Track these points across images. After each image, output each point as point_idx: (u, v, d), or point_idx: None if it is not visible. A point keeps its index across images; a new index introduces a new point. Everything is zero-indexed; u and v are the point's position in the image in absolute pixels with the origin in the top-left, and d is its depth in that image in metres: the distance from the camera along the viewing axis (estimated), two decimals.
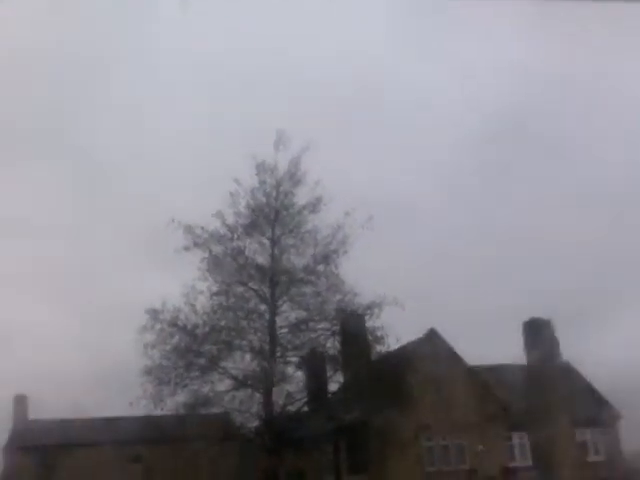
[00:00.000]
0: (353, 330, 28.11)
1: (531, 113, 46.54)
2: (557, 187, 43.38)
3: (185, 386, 25.96)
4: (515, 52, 48.38)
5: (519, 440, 33.12)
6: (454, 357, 31.52)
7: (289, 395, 27.32)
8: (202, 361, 26.39)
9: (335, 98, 40.88)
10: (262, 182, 27.86)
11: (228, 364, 26.70)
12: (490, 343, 36.53)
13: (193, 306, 26.26)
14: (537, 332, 34.30)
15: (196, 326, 26.24)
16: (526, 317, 34.31)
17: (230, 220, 27.47)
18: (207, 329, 26.25)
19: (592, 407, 34.51)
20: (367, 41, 48.40)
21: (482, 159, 44.86)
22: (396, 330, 27.04)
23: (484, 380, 32.17)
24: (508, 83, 46.63)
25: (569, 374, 35.36)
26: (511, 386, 32.95)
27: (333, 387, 29.55)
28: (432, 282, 35.67)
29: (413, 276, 34.32)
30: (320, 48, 46.89)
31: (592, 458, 34.00)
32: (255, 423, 27.63)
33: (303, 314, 28.17)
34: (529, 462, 32.87)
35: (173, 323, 26.05)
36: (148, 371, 25.51)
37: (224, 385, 26.63)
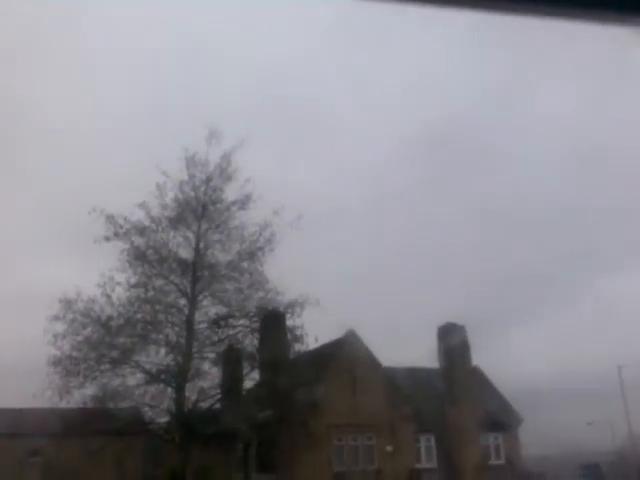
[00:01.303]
0: (273, 328, 28.07)
1: (458, 127, 47.52)
2: (479, 203, 44.62)
3: (94, 379, 25.24)
4: (445, 66, 49.08)
5: (426, 442, 34.15)
6: (370, 359, 32.04)
7: (202, 391, 27.06)
8: (114, 354, 25.69)
9: (272, 98, 40.37)
10: (192, 176, 27.47)
11: (142, 358, 26.15)
12: (406, 346, 37.53)
13: (109, 297, 25.55)
14: (450, 337, 35.35)
15: (111, 318, 25.48)
16: (441, 322, 35.37)
17: (155, 212, 26.89)
18: (122, 321, 25.55)
19: (496, 412, 35.90)
20: (306, 44, 47.99)
21: (412, 170, 45.49)
22: (316, 330, 27.29)
23: (397, 382, 32.87)
24: (436, 96, 47.29)
25: (477, 379, 36.63)
26: (423, 389, 33.88)
27: (249, 385, 29.49)
28: (354, 285, 36.04)
29: (336, 278, 34.53)
30: (258, 48, 46.13)
31: (493, 461, 35.49)
32: (165, 418, 27.22)
33: (223, 310, 27.92)
34: (434, 464, 33.96)
35: (86, 314, 25.22)
36: (56, 362, 24.64)
37: (136, 379, 26.08)
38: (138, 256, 26.33)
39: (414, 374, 34.21)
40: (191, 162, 27.06)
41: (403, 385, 33.15)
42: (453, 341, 35.36)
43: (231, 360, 28.20)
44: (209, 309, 27.63)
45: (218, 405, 28.10)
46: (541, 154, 45.17)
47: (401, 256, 39.50)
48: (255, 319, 28.35)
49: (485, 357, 36.26)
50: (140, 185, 25.94)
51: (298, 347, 28.63)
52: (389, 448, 31.71)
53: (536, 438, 37.05)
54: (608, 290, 44.73)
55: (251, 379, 29.31)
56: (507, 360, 39.53)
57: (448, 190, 43.16)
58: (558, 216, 44.33)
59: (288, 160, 35.99)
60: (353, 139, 43.84)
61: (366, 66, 48.31)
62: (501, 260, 43.20)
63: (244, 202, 27.43)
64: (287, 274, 27.28)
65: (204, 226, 27.47)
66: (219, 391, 27.95)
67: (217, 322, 27.70)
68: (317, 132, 43.04)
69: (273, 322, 28.26)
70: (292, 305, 27.83)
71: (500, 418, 36.04)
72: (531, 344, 44.46)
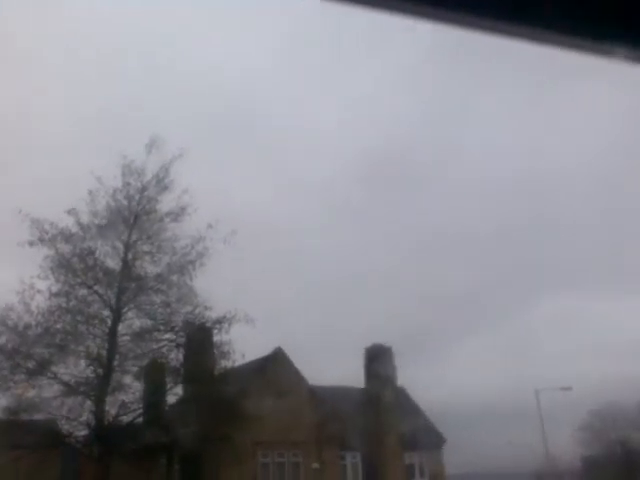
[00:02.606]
0: (199, 343, 27.81)
1: (403, 148, 49.08)
2: (416, 224, 46.00)
3: (8, 389, 24.25)
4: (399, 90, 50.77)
5: (352, 460, 34.33)
6: (297, 376, 32.20)
7: (124, 405, 26.42)
8: (30, 364, 24.82)
9: (217, 114, 40.60)
10: (126, 184, 27.11)
11: (60, 369, 25.34)
12: (334, 365, 37.89)
13: (27, 305, 24.75)
14: (377, 358, 35.96)
15: (28, 326, 24.69)
16: (369, 343, 35.98)
17: (85, 219, 26.41)
18: (40, 330, 24.78)
19: (420, 431, 36.51)
20: (254, 63, 48.79)
21: (352, 190, 46.56)
22: (244, 347, 27.25)
23: (323, 400, 33.06)
24: (386, 121, 48.83)
25: (402, 399, 37.28)
26: (349, 407, 34.16)
27: (172, 400, 29.01)
28: (286, 303, 36.28)
29: (267, 296, 34.71)
30: (207, 63, 46.53)
31: None
32: (84, 432, 26.36)
33: (149, 323, 27.51)
34: None
35: (2, 321, 24.36)
36: None
37: (53, 391, 25.21)
38: (62, 263, 25.73)
39: (341, 393, 34.52)
40: (127, 170, 26.81)
41: (330, 403, 33.35)
42: (379, 362, 35.99)
43: (154, 374, 27.72)
44: (134, 322, 27.18)
45: (140, 420, 27.46)
46: (482, 177, 47.01)
47: (334, 276, 40.10)
48: (181, 334, 28.06)
49: (411, 377, 37.01)
50: (72, 191, 25.50)
51: (224, 363, 28.46)
52: (315, 465, 31.74)
53: (458, 457, 37.93)
54: (531, 314, 46.70)
55: (175, 394, 28.89)
56: (433, 380, 40.54)
57: (386, 211, 44.31)
58: (492, 239, 46.12)
59: (227, 174, 36.16)
60: (297, 156, 44.53)
61: (317, 80, 49.45)
62: (434, 281, 44.44)
63: (178, 214, 27.26)
64: (217, 289, 27.28)
65: (134, 236, 27.14)
66: (141, 405, 27.36)
67: (141, 335, 27.25)
68: (261, 148, 43.46)
69: (199, 337, 28.02)
70: (220, 321, 27.73)
71: (423, 437, 36.66)
72: (457, 365, 45.71)
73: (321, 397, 33.15)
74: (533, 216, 46.63)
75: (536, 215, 46.90)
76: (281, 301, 36.16)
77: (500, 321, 47.20)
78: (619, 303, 44.59)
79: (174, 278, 27.71)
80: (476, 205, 47.53)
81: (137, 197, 27.28)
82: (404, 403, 37.27)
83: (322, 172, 45.20)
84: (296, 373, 32.25)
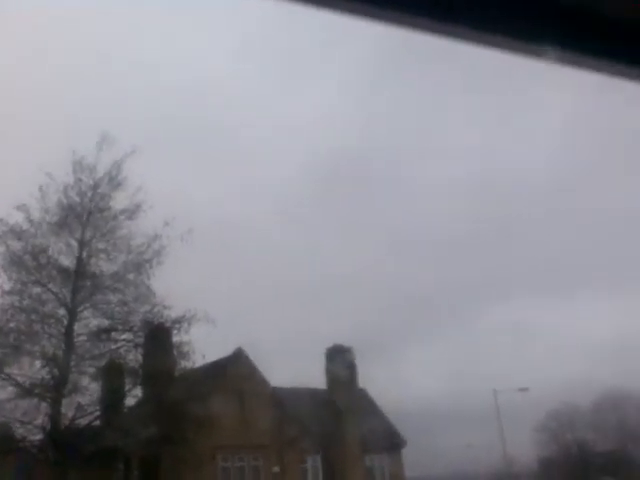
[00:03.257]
0: (158, 344, 27.27)
1: (362, 157, 49.43)
2: (380, 227, 46.26)
3: None
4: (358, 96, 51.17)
5: (312, 463, 34.08)
6: (259, 378, 31.86)
7: (80, 407, 25.62)
8: None
9: (175, 110, 40.17)
10: (78, 180, 26.58)
11: (14, 370, 24.46)
12: (296, 366, 37.70)
13: None
14: (337, 359, 35.92)
15: None
16: (330, 344, 35.93)
17: (36, 215, 25.71)
18: None
19: (381, 434, 36.52)
20: (214, 62, 48.58)
21: (313, 191, 46.60)
22: (204, 347, 26.82)
23: (284, 403, 32.77)
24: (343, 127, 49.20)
25: (363, 401, 37.26)
26: (311, 410, 33.94)
27: (131, 401, 28.33)
28: (246, 303, 35.96)
29: (227, 295, 34.34)
30: (164, 55, 46.08)
31: None
32: (39, 436, 25.42)
33: (106, 323, 26.87)
34: None
35: None
36: None
37: (6, 393, 24.30)
38: (14, 261, 24.97)
39: (303, 395, 34.29)
40: (78, 166, 26.28)
41: (291, 406, 33.07)
42: (340, 363, 35.94)
43: (112, 375, 27.04)
44: (90, 321, 26.50)
45: (97, 422, 26.67)
46: (436, 180, 47.64)
47: (296, 277, 39.98)
48: (139, 333, 27.49)
49: (373, 380, 37.11)
50: (22, 187, 24.77)
51: (184, 364, 27.97)
52: (276, 469, 31.35)
53: (418, 459, 38.09)
54: (490, 317, 47.46)
55: (133, 396, 28.21)
56: (394, 383, 40.72)
57: (349, 213, 44.50)
58: (458, 244, 46.64)
59: (184, 173, 35.70)
60: (257, 157, 44.33)
61: (274, 81, 49.46)
62: (397, 285, 44.76)
63: (133, 211, 26.83)
64: (176, 288, 26.80)
65: (88, 234, 26.56)
66: (98, 407, 26.60)
67: (98, 335, 26.57)
68: (219, 148, 43.12)
69: (158, 337, 27.48)
70: (179, 320, 27.28)
71: (384, 440, 36.67)
72: (419, 368, 46.01)
73: (283, 399, 32.86)
74: (487, 219, 47.65)
75: (490, 218, 47.93)
76: (241, 301, 35.83)
77: (460, 324, 47.86)
78: (575, 306, 45.80)
79: (131, 277, 27.23)
80: (432, 207, 48.25)
81: (89, 194, 26.77)
82: (365, 405, 37.26)
83: (280, 172, 45.18)
84: (257, 374, 31.92)
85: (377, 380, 37.54)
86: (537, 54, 1.58)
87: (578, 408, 47.49)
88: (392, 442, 37.17)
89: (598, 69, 1.70)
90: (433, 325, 47.38)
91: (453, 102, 50.09)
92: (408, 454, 37.59)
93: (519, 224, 47.57)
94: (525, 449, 46.01)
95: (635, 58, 1.64)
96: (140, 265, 27.22)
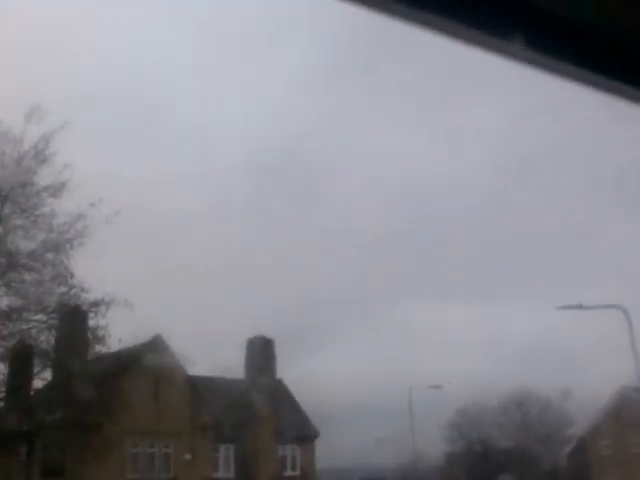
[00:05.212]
0: (72, 326, 26.61)
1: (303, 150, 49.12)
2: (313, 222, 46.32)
3: None
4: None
5: (225, 452, 34.16)
6: (175, 365, 31.55)
7: None
8: None
9: (115, 89, 38.58)
10: (1, 152, 25.37)
11: None
12: (217, 355, 37.52)
13: None
14: (258, 349, 36.00)
15: None
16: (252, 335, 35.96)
17: None
18: None
19: (295, 425, 36.97)
20: (169, 46, 46.82)
21: (251, 184, 46.09)
22: (122, 332, 26.37)
23: (199, 391, 32.65)
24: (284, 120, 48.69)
25: (280, 392, 37.57)
26: (226, 399, 33.94)
27: (39, 384, 27.55)
28: (168, 290, 35.43)
29: (149, 281, 33.72)
30: (105, 37, 44.24)
31: (289, 473, 36.40)
32: None
33: (18, 302, 25.96)
34: (231, 474, 34.03)
35: None
36: None
37: None
38: None
39: (219, 384, 34.22)
40: (3, 138, 25.13)
41: (207, 394, 32.99)
42: (260, 353, 36.05)
43: (21, 357, 26.25)
44: (1, 300, 25.56)
45: (2, 404, 25.83)
46: (370, 180, 47.94)
47: (224, 267, 39.61)
48: (54, 315, 26.73)
49: (291, 371, 37.41)
50: None
51: (99, 348, 27.49)
52: (187, 457, 31.26)
53: (331, 452, 38.79)
54: (406, 315, 48.60)
55: (43, 379, 27.46)
56: (313, 375, 41.19)
57: (275, 206, 44.27)
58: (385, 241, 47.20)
59: (116, 153, 34.53)
60: (197, 143, 43.31)
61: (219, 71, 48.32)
62: (323, 279, 45.09)
63: (58, 189, 25.88)
64: (96, 271, 26.15)
65: (7, 209, 25.53)
66: (3, 389, 25.74)
67: (9, 315, 25.67)
68: (156, 131, 41.88)
69: (73, 320, 26.86)
70: (97, 304, 26.76)
71: (298, 431, 37.16)
72: (338, 362, 46.68)
73: (198, 387, 32.72)
74: (416, 222, 48.64)
75: (419, 222, 48.94)
76: (163, 287, 35.26)
77: (378, 321, 48.78)
78: (492, 308, 47.48)
79: (49, 256, 26.45)
80: (363, 206, 48.77)
81: (12, 167, 25.68)
82: (281, 396, 37.57)
83: (215, 164, 44.52)
84: (174, 361, 31.60)
85: (297, 372, 37.93)
86: (502, 50, 1.50)
87: (486, 406, 49.54)
88: (306, 433, 37.68)
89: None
90: (353, 321, 48.18)
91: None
92: (320, 446, 38.25)
93: (447, 229, 48.84)
94: (434, 445, 47.68)
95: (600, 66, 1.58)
96: (60, 245, 26.46)
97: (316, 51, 49.57)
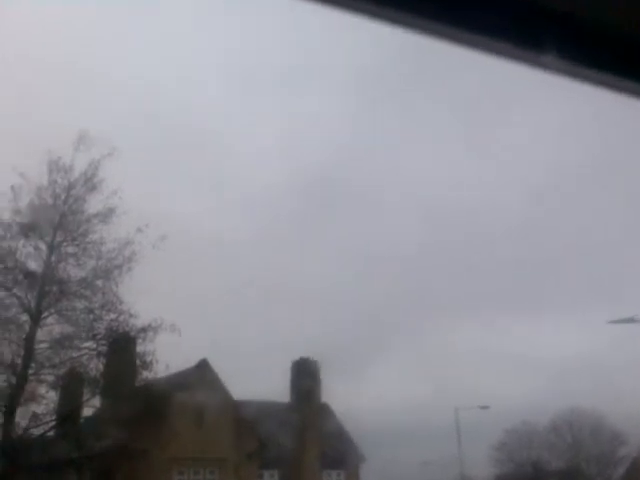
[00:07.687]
0: (121, 353, 26.70)
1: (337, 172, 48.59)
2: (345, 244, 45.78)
3: None
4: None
5: (269, 478, 33.92)
6: (221, 390, 31.42)
7: (35, 417, 24.96)
8: None
9: (159, 116, 38.81)
10: (52, 181, 25.71)
11: None
12: (261, 379, 37.28)
13: None
14: (303, 372, 35.70)
15: None
16: (297, 358, 35.65)
17: (6, 216, 24.82)
18: None
19: (340, 449, 36.51)
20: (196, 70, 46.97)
21: (287, 207, 45.78)
22: (169, 358, 26.30)
23: (246, 416, 32.46)
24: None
25: (325, 416, 37.16)
26: (271, 424, 33.68)
27: (89, 412, 27.72)
28: (214, 314, 35.36)
29: (196, 306, 33.67)
30: (146, 61, 44.51)
31: None
32: None
33: (69, 330, 26.14)
34: None
35: None
36: None
37: None
38: None
39: (264, 408, 33.97)
40: (54, 167, 25.40)
41: (252, 419, 32.79)
42: (305, 376, 35.74)
43: (71, 384, 26.42)
44: (53, 328, 25.73)
45: (52, 433, 26.07)
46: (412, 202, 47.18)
47: (266, 290, 39.36)
48: (103, 342, 26.84)
49: (335, 393, 36.87)
50: None
51: (146, 374, 27.47)
52: None
53: (376, 476, 38.11)
54: (453, 334, 47.50)
55: (92, 406, 27.61)
56: (355, 397, 40.61)
57: (318, 230, 43.91)
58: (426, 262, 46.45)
59: (162, 180, 34.71)
60: (238, 169, 43.39)
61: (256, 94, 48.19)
62: (360, 299, 44.43)
63: (107, 215, 26.01)
64: (144, 296, 26.12)
65: (59, 237, 25.71)
66: (54, 417, 25.97)
67: (61, 342, 25.87)
68: (200, 158, 41.97)
69: (122, 346, 26.90)
70: (145, 330, 26.72)
71: (343, 455, 36.70)
72: (382, 384, 45.99)
73: (244, 412, 32.53)
74: (462, 238, 47.48)
75: (465, 237, 47.76)
76: (210, 312, 35.21)
77: (423, 340, 47.86)
78: (538, 326, 46.05)
79: (99, 283, 26.53)
80: (405, 228, 47.86)
81: (63, 196, 25.94)
82: (326, 419, 37.15)
83: (256, 186, 44.32)
84: (220, 387, 31.48)
85: (340, 394, 37.33)
86: (533, 62, 1.51)
87: (536, 427, 48.11)
88: (351, 458, 37.19)
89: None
90: (397, 341, 47.32)
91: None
92: (366, 470, 37.66)
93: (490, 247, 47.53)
94: (482, 467, 46.45)
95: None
96: (109, 271, 26.54)
97: (351, 74, 48.62)
